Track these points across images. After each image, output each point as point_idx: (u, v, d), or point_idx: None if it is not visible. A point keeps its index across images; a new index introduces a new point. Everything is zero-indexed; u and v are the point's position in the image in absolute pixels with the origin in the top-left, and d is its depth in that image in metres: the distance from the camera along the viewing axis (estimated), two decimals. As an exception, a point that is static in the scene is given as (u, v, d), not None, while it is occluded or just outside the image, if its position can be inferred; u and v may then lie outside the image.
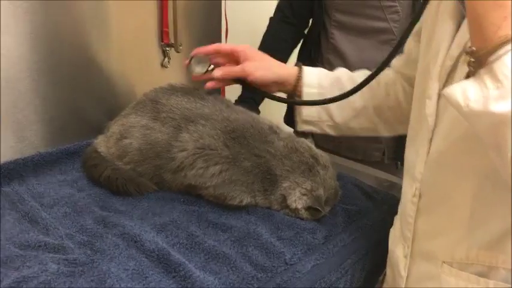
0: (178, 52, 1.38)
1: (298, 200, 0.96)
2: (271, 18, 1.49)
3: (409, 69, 0.97)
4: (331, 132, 1.07)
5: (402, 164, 1.38)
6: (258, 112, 1.37)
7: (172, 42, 1.36)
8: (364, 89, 0.91)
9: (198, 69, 1.04)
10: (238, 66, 1.02)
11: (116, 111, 1.14)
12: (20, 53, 1.07)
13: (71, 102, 1.20)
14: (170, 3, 1.32)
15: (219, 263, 0.83)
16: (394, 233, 0.94)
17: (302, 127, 1.08)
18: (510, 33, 0.55)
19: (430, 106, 0.78)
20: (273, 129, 1.04)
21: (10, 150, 1.10)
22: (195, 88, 1.12)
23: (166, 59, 1.38)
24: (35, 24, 1.08)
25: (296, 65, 1.06)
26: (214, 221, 0.94)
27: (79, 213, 0.94)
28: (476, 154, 0.70)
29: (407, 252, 0.85)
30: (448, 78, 0.75)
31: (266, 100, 1.48)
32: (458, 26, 0.74)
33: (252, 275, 0.81)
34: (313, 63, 1.41)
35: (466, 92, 0.57)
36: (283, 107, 1.57)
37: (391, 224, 1.06)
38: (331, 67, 1.36)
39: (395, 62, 1.02)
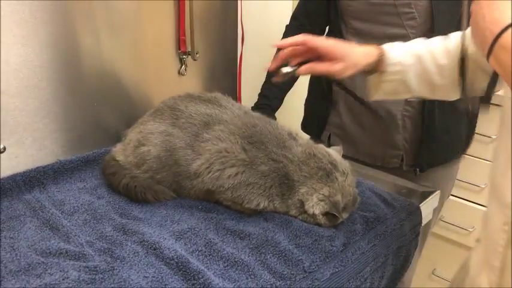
0: (195, 60, 1.40)
1: (315, 206, 0.96)
2: (287, 26, 1.49)
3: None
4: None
5: (421, 171, 1.37)
6: (275, 119, 1.37)
7: (189, 50, 1.38)
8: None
9: (286, 69, 1.01)
10: (324, 66, 0.98)
11: (133, 119, 1.16)
12: (41, 63, 1.09)
13: (90, 110, 1.22)
14: (187, 12, 1.33)
15: (237, 271, 0.83)
16: (477, 259, 0.86)
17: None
18: None
19: None
20: (292, 136, 1.04)
21: (31, 158, 1.12)
22: (213, 95, 1.13)
23: (183, 67, 1.39)
24: (54, 35, 1.11)
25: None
26: (233, 228, 0.95)
27: (99, 221, 0.95)
28: None
29: (493, 280, 0.79)
30: None
31: (282, 107, 1.49)
32: None
33: (271, 282, 0.81)
34: None
35: None
36: (300, 114, 1.57)
37: (409, 231, 1.05)
38: None
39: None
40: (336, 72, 0.98)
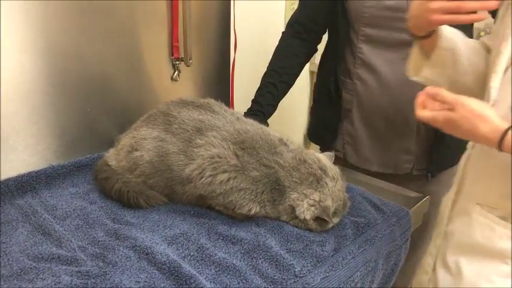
0: (188, 66, 1.41)
1: (306, 211, 0.97)
2: (283, 33, 1.49)
3: None
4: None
5: (432, 176, 1.38)
6: (267, 125, 1.37)
7: (182, 56, 1.38)
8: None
9: None
10: None
11: (126, 125, 1.16)
12: (35, 69, 1.10)
13: (82, 116, 1.22)
14: (180, 19, 1.34)
15: (229, 276, 0.84)
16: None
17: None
18: None
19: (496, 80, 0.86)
20: (283, 141, 1.05)
21: (23, 163, 1.12)
22: (205, 101, 1.13)
23: (176, 73, 1.40)
24: (49, 41, 1.11)
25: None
26: (224, 233, 0.95)
27: (91, 226, 0.96)
28: None
29: (455, 190, 0.99)
30: None
31: (277, 113, 1.50)
32: None
33: (263, 287, 0.82)
34: (338, 79, 1.40)
35: None
36: (294, 120, 1.57)
37: (399, 236, 1.06)
38: (361, 82, 1.35)
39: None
40: None
